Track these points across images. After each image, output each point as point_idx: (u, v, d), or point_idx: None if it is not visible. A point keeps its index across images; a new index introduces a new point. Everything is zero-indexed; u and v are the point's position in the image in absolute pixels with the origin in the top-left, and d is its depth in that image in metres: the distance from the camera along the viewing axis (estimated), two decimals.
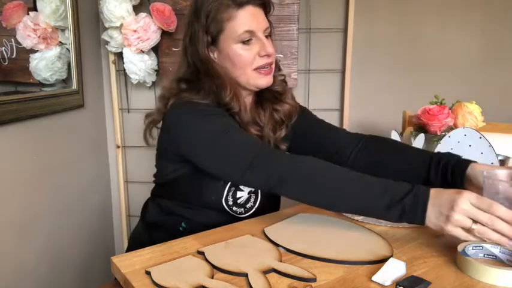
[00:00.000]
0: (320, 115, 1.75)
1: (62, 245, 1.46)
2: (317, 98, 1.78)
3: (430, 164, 0.91)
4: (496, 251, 0.69)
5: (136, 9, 1.61)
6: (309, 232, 0.82)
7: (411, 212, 0.71)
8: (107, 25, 1.57)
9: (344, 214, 0.91)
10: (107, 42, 1.64)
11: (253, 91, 0.99)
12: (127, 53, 1.60)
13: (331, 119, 1.80)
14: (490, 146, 0.99)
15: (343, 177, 0.79)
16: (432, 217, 0.70)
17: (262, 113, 1.02)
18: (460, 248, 0.68)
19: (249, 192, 0.95)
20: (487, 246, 0.69)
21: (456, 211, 0.67)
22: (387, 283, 0.62)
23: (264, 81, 0.95)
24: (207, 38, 0.93)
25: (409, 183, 0.73)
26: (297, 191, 0.81)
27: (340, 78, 1.77)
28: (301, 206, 0.99)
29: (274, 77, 0.99)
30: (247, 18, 0.91)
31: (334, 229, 0.83)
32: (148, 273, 0.65)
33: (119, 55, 1.69)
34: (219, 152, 0.85)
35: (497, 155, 0.99)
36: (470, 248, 0.69)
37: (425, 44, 1.72)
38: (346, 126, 1.77)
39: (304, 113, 1.11)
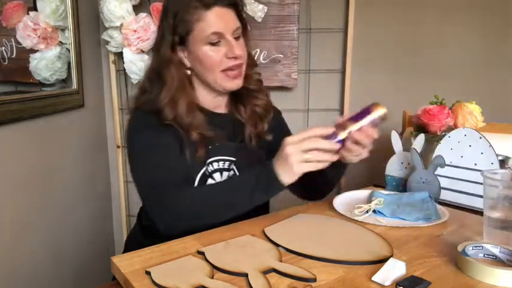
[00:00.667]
0: (320, 115, 1.76)
1: (61, 244, 1.46)
2: (317, 98, 1.78)
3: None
4: (496, 251, 0.69)
5: (137, 9, 1.61)
6: (309, 232, 0.82)
7: (270, 185, 0.83)
8: (107, 25, 1.57)
9: (344, 214, 0.91)
10: (107, 42, 1.64)
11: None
12: (127, 53, 1.60)
13: (331, 119, 1.79)
14: (490, 146, 0.99)
15: (213, 193, 0.88)
16: (283, 173, 0.81)
17: (243, 110, 1.03)
18: (460, 248, 0.68)
19: None
20: (487, 246, 0.69)
21: (289, 154, 0.79)
22: (387, 283, 0.62)
23: (232, 84, 0.95)
24: (174, 38, 0.92)
25: (259, 166, 0.85)
26: (188, 224, 0.85)
27: (340, 78, 1.77)
28: (301, 206, 0.99)
29: (249, 75, 1.00)
30: (215, 20, 0.90)
31: (334, 229, 0.83)
32: (148, 273, 0.65)
33: (119, 55, 1.69)
34: (134, 176, 0.92)
35: (497, 155, 0.99)
36: (470, 248, 0.69)
37: (425, 44, 1.72)
38: None
39: (279, 115, 1.14)
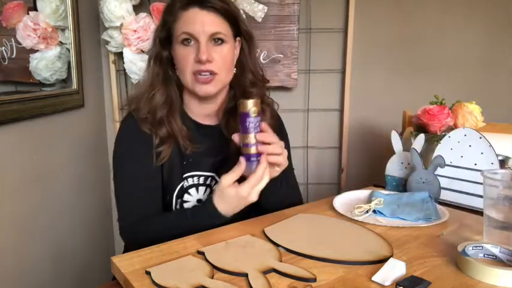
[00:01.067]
0: (320, 115, 1.76)
1: (61, 244, 1.46)
2: (317, 98, 1.78)
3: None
4: (496, 251, 0.69)
5: (137, 9, 1.61)
6: (309, 232, 0.82)
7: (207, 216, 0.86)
8: (107, 25, 1.57)
9: (344, 214, 0.91)
10: (107, 42, 1.64)
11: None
12: (127, 53, 1.60)
13: (331, 119, 1.80)
14: (490, 146, 0.99)
15: (166, 228, 0.89)
16: (228, 210, 0.85)
17: (233, 125, 0.98)
18: (460, 248, 0.68)
19: (197, 201, 0.99)
20: (487, 246, 0.69)
21: (246, 195, 0.82)
22: (387, 283, 0.62)
23: (200, 89, 0.92)
24: (163, 37, 0.95)
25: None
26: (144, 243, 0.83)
27: (340, 78, 1.77)
28: (301, 206, 0.99)
29: (250, 93, 0.98)
30: (188, 20, 0.90)
31: (334, 229, 0.83)
32: (148, 273, 0.65)
33: (119, 55, 1.69)
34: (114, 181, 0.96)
35: (497, 155, 0.99)
36: (470, 248, 0.69)
37: (425, 44, 1.72)
38: (346, 126, 1.77)
39: (283, 133, 1.09)
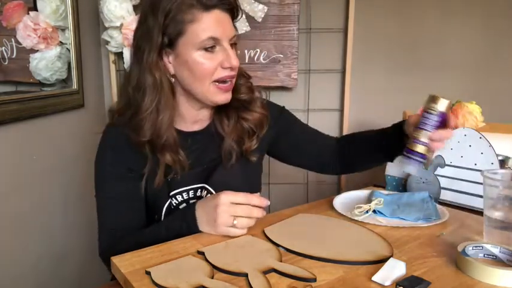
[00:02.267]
0: (320, 115, 1.76)
1: (61, 244, 1.46)
2: (317, 98, 1.78)
3: (381, 140, 0.95)
4: (496, 251, 0.69)
5: (137, 9, 1.60)
6: (309, 232, 0.82)
7: (187, 229, 0.80)
8: (107, 25, 1.57)
9: (344, 214, 0.91)
10: (107, 42, 1.64)
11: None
12: (127, 53, 1.60)
13: (331, 119, 1.80)
14: (490, 146, 0.99)
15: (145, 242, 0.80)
16: (204, 225, 0.80)
17: (226, 123, 0.93)
18: (460, 248, 0.68)
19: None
20: (487, 246, 0.69)
21: (219, 214, 0.76)
22: (387, 283, 0.62)
23: (223, 97, 0.86)
24: (163, 40, 0.81)
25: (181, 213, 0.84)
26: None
27: (340, 78, 1.77)
28: (301, 206, 0.99)
29: (240, 85, 0.91)
30: (213, 23, 0.80)
31: (334, 229, 0.83)
32: (148, 273, 0.65)
33: (119, 55, 1.70)
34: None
35: (497, 155, 0.99)
36: (470, 248, 0.69)
37: (425, 44, 1.72)
38: (346, 126, 1.77)
39: (283, 112, 1.05)
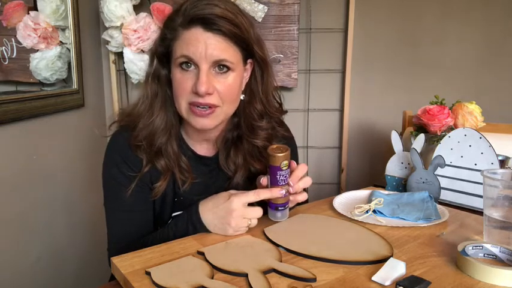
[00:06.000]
0: (320, 115, 1.76)
1: (61, 244, 1.46)
2: (317, 98, 1.78)
3: None
4: (496, 250, 0.69)
5: (137, 9, 1.61)
6: (309, 232, 0.82)
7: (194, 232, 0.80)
8: (107, 25, 1.57)
9: (344, 214, 0.91)
10: (107, 42, 1.64)
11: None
12: (127, 53, 1.60)
13: (331, 118, 1.80)
14: (490, 146, 0.99)
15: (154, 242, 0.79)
16: (216, 229, 0.79)
17: (233, 159, 0.91)
18: (460, 248, 0.68)
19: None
20: (487, 246, 0.69)
21: (235, 219, 0.76)
22: (387, 283, 0.62)
23: (196, 122, 0.81)
24: (162, 51, 0.84)
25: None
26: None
27: (340, 78, 1.77)
28: (301, 206, 0.99)
29: (257, 127, 0.88)
30: (189, 41, 0.77)
31: (334, 229, 0.83)
32: (148, 273, 0.65)
33: (119, 55, 1.70)
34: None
35: (497, 155, 0.99)
36: (470, 248, 0.69)
37: (425, 44, 1.72)
38: (346, 126, 1.77)
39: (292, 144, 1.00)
